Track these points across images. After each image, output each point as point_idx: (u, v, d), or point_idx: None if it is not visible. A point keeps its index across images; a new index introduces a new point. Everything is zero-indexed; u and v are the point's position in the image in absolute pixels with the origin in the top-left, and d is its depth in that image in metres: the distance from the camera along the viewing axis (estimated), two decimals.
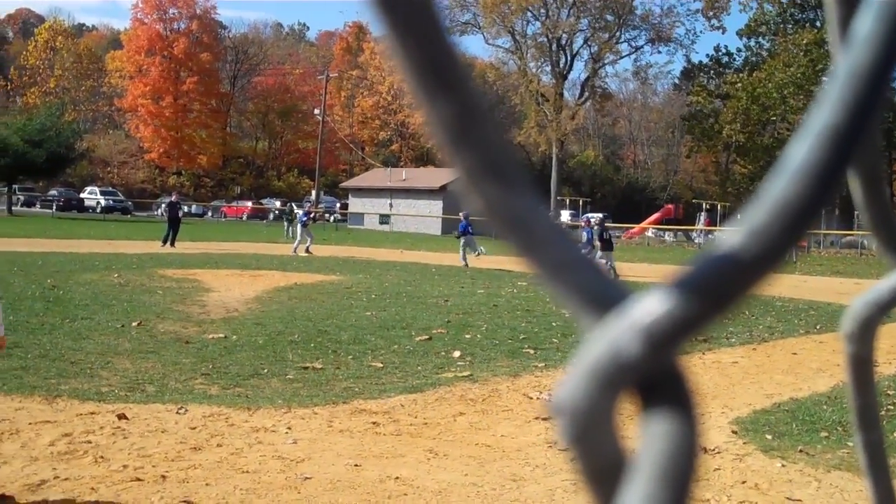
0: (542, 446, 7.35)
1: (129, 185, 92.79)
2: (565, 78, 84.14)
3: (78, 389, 8.70)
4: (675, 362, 0.41)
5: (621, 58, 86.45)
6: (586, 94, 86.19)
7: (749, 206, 0.41)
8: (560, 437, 0.44)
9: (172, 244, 33.62)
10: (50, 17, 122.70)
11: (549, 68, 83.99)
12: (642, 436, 0.41)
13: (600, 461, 0.43)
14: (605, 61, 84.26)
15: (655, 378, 0.41)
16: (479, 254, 30.07)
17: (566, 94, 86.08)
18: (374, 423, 7.88)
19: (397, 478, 6.26)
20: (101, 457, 6.50)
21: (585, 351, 0.43)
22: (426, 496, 5.89)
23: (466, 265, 29.94)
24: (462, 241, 30.91)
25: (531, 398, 9.18)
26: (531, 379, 10.24)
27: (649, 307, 0.40)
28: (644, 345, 0.40)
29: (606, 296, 0.42)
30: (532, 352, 12.03)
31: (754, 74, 73.17)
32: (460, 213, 33.41)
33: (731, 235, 0.41)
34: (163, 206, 76.56)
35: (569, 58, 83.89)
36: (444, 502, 5.79)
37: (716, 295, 0.40)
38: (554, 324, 14.78)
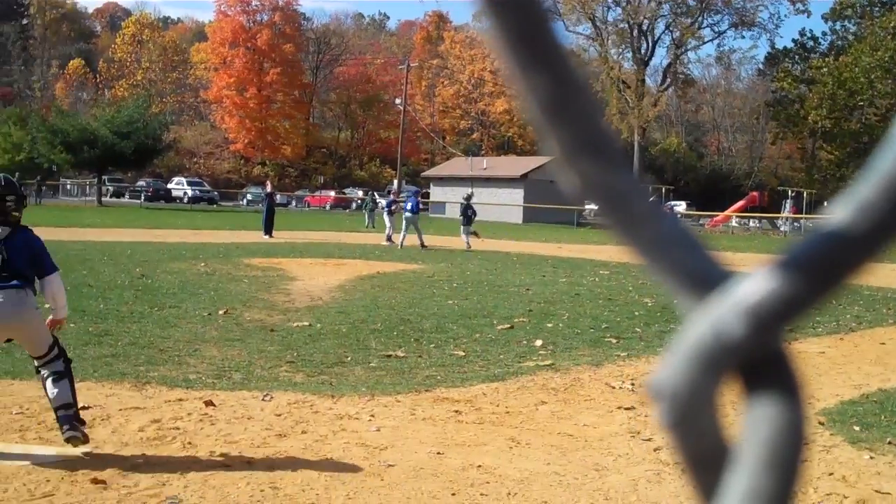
0: (624, 436, 7.29)
1: (214, 175, 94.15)
2: (647, 64, 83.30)
3: (166, 376, 8.86)
4: (780, 344, 0.40)
5: (704, 43, 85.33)
6: (668, 80, 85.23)
7: (847, 187, 0.39)
8: (659, 422, 0.42)
9: (269, 234, 34.02)
10: (136, 10, 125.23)
11: (630, 55, 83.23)
12: (746, 421, 0.40)
13: (701, 447, 0.41)
14: (688, 47, 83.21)
15: (760, 360, 0.40)
16: (399, 245, 30.06)
17: (648, 80, 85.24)
18: (456, 411, 7.89)
19: (479, 466, 6.26)
20: (189, 443, 6.61)
21: (687, 332, 0.41)
22: (508, 484, 5.88)
23: (419, 245, 30.23)
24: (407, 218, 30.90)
25: (613, 388, 9.11)
26: (613, 368, 10.17)
27: (754, 287, 0.39)
28: (749, 326, 0.38)
29: (709, 275, 0.40)
30: (614, 341, 11.94)
31: (840, 59, 71.71)
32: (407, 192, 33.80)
33: (838, 212, 0.39)
34: (248, 196, 77.78)
35: (650, 44, 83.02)
36: (527, 491, 5.78)
37: (823, 273, 0.39)
38: (636, 313, 14.66)
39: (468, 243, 30.99)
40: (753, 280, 0.39)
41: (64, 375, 6.35)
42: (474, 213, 32.81)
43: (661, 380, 0.42)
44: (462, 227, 31.93)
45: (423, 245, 30.13)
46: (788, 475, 0.38)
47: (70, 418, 6.24)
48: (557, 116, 0.40)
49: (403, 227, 30.66)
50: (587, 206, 74.67)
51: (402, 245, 29.69)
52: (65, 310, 6.58)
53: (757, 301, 0.39)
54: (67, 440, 6.18)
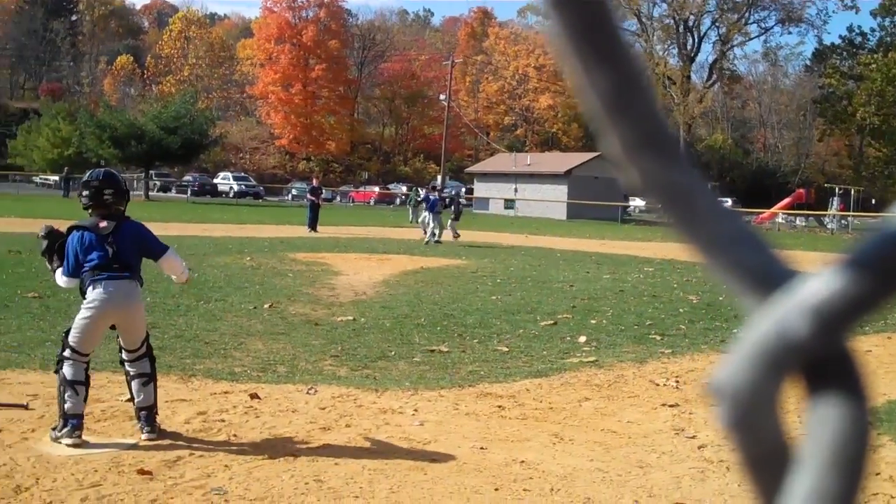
0: (668, 433, 7.25)
1: (260, 170, 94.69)
2: (692, 60, 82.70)
3: (212, 369, 8.94)
4: (844, 344, 0.39)
5: (750, 39, 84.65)
6: (714, 76, 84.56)
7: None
8: (719, 422, 0.42)
9: (314, 229, 34.15)
10: (183, 7, 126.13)
11: (675, 51, 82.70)
12: (809, 421, 0.39)
13: (763, 447, 0.41)
14: (734, 43, 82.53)
15: (824, 360, 0.39)
16: (428, 241, 29.83)
17: (693, 76, 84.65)
18: (499, 406, 7.89)
19: (523, 461, 6.26)
20: (234, 435, 6.67)
21: (749, 331, 0.41)
22: (552, 480, 5.87)
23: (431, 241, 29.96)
24: (430, 215, 30.69)
25: (658, 385, 9.07)
26: (658, 365, 10.11)
27: (819, 286, 0.38)
28: (813, 325, 0.38)
29: (773, 274, 0.40)
30: (659, 338, 11.87)
31: (889, 55, 70.77)
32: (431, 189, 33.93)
33: None
34: (293, 191, 78.14)
35: (696, 40, 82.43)
36: (570, 487, 5.77)
37: (889, 273, 0.38)
38: (681, 310, 14.57)
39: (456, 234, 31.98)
40: (818, 279, 0.39)
41: (151, 379, 6.60)
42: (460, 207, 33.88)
43: (722, 379, 0.42)
44: (450, 220, 32.66)
45: (437, 241, 29.82)
46: (853, 476, 0.37)
47: (151, 419, 6.50)
48: (618, 112, 0.40)
49: (430, 224, 30.53)
50: (632, 203, 74.41)
51: (429, 242, 29.48)
52: (187, 272, 7.08)
53: (822, 300, 0.38)
54: (146, 439, 6.40)
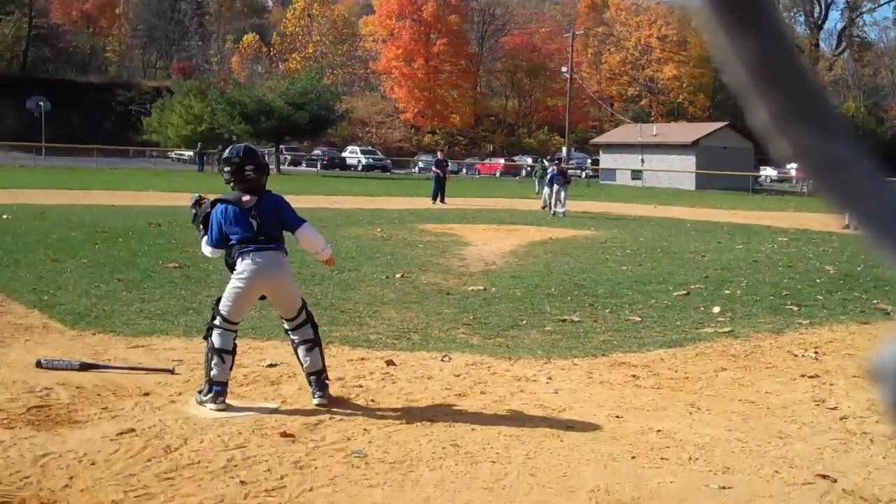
0: (808, 404, 7.11)
1: (386, 143, 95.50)
2: (820, 28, 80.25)
3: (348, 336, 9.11)
4: None
5: (880, 5, 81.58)
6: (843, 44, 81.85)
7: None
8: (881, 402, 0.42)
9: (442, 200, 34.38)
10: None
11: (802, 18, 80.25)
12: None
13: None
14: (863, 9, 79.67)
15: None
16: (554, 213, 29.11)
17: (822, 44, 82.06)
18: (633, 375, 7.85)
19: (659, 430, 6.22)
20: (372, 400, 6.79)
21: None
22: (689, 449, 5.83)
23: (555, 213, 29.27)
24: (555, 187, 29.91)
25: (796, 356, 8.89)
26: (795, 336, 9.90)
27: None
28: None
29: None
30: (795, 308, 11.62)
31: None
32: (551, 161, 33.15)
33: None
34: (419, 164, 78.67)
35: (823, 7, 79.86)
36: (708, 456, 5.71)
37: None
38: (818, 280, 14.23)
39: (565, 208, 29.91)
40: None
41: (315, 343, 6.74)
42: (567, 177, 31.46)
43: (884, 359, 0.41)
44: (562, 190, 30.21)
45: (557, 212, 29.42)
46: None
47: (322, 384, 6.65)
48: (767, 81, 0.39)
49: (553, 194, 30.17)
50: (762, 173, 72.72)
51: (554, 213, 29.19)
52: (328, 249, 7.18)
53: None
54: (317, 405, 6.56)
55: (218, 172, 7.70)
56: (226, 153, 6.83)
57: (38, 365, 7.27)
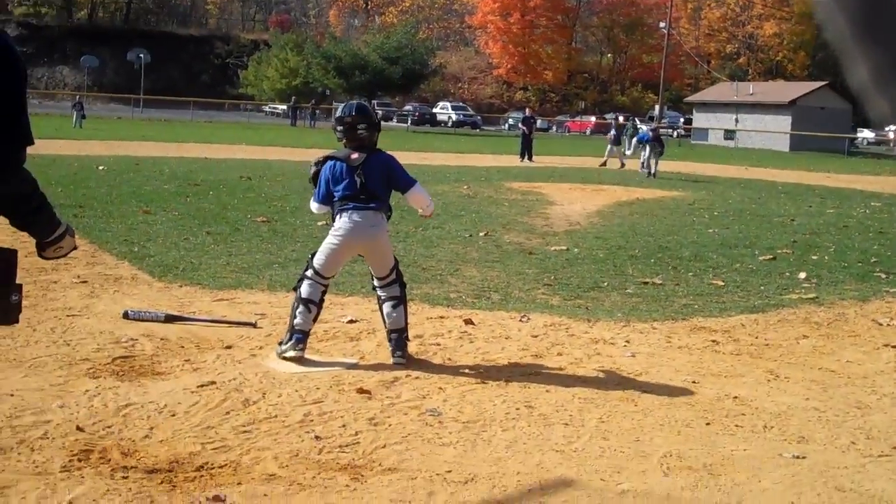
0: (890, 374, 6.99)
1: (478, 100, 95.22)
2: None
3: (429, 294, 9.18)
4: None
5: None
6: None
7: None
8: None
9: (530, 158, 34.27)
10: None
11: None
12: None
13: None
14: None
15: None
16: (648, 174, 28.55)
17: None
18: (713, 341, 7.79)
19: (735, 397, 6.18)
20: (449, 359, 6.85)
21: None
22: (764, 417, 5.78)
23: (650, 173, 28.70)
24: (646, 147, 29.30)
25: (881, 325, 8.72)
26: (881, 305, 9.71)
27: None
28: None
29: None
30: (884, 276, 11.38)
31: None
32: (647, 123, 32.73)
33: None
34: (509, 121, 78.34)
35: None
36: (784, 425, 5.67)
37: None
38: None
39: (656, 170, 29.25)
40: None
41: (401, 301, 6.83)
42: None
43: None
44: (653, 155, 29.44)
45: (650, 173, 28.97)
46: None
47: (402, 344, 6.73)
48: (869, 37, 0.38)
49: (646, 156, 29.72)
50: (860, 135, 70.92)
51: (650, 173, 28.81)
52: (432, 205, 7.21)
53: None
54: (395, 363, 6.63)
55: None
56: (338, 112, 6.89)
57: (125, 316, 7.47)
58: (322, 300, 6.76)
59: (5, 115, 3.01)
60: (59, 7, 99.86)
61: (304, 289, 6.66)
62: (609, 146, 34.69)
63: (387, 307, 6.80)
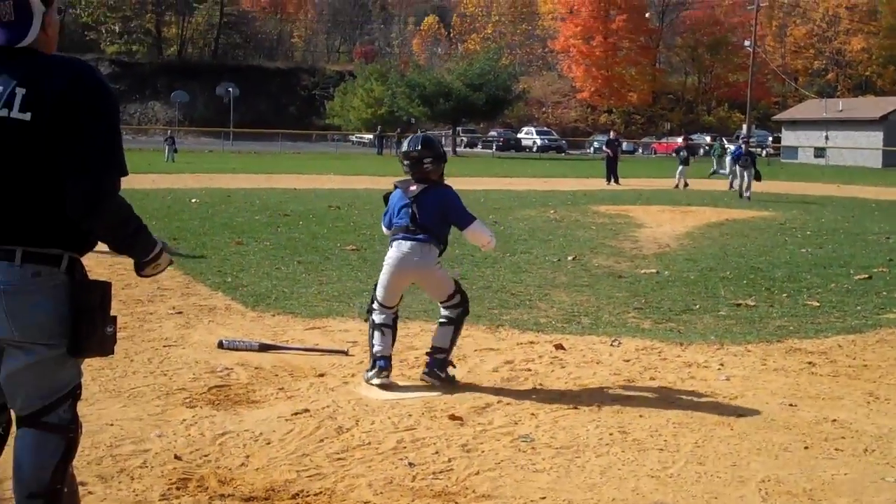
0: None
1: (562, 124, 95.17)
2: None
3: (518, 319, 9.17)
4: None
5: None
6: None
7: None
8: None
9: (616, 181, 34.08)
10: None
11: None
12: None
13: None
14: None
15: None
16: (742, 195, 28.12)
17: None
18: (809, 363, 7.64)
19: (834, 420, 6.05)
20: (540, 384, 6.83)
21: None
22: (865, 440, 5.65)
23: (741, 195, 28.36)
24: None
25: None
26: None
27: None
28: None
29: None
30: None
31: None
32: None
33: None
34: (594, 144, 78.08)
35: None
36: (885, 448, 5.53)
37: None
38: None
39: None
40: None
41: (452, 322, 6.84)
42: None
43: None
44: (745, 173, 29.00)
45: (741, 194, 28.44)
46: None
47: (434, 363, 6.73)
48: None
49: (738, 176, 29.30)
50: None
51: (742, 195, 28.30)
52: (493, 242, 7.02)
53: None
54: (421, 379, 6.73)
55: (397, 156, 7.82)
56: (404, 146, 6.91)
57: (220, 346, 7.60)
58: (395, 324, 6.84)
59: (103, 146, 3.22)
60: (149, 45, 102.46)
61: (375, 316, 6.77)
62: (679, 167, 34.16)
63: (438, 325, 6.87)
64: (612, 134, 38.47)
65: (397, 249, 6.69)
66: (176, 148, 45.81)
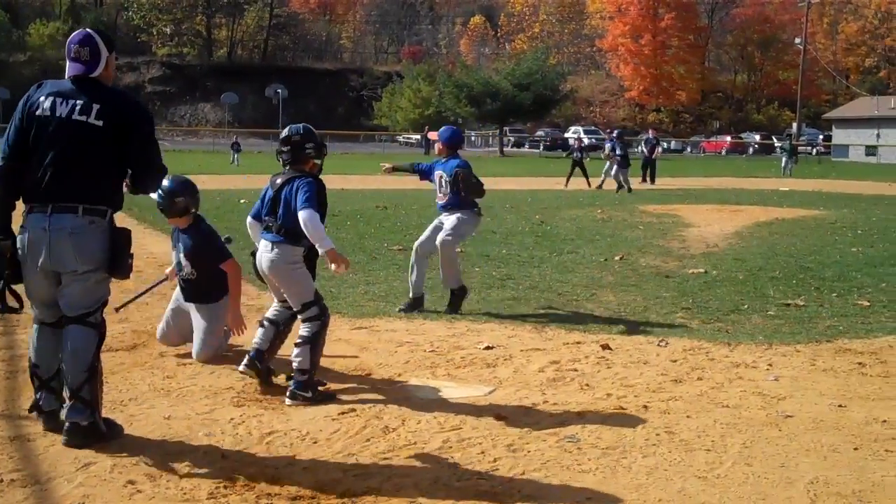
0: None
1: (610, 123, 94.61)
2: None
3: (564, 319, 9.16)
4: None
5: None
6: None
7: None
8: None
9: (652, 181, 33.87)
10: None
11: None
12: None
13: None
14: None
15: None
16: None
17: None
18: (859, 363, 7.56)
19: (885, 421, 5.98)
20: (587, 384, 6.81)
21: None
22: None
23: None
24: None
25: None
26: None
27: None
28: None
29: None
30: None
31: None
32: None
33: None
34: (642, 144, 77.63)
35: None
36: None
37: None
38: None
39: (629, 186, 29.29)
40: None
41: (309, 341, 6.34)
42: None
43: None
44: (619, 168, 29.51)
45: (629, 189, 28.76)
46: None
47: (297, 385, 6.25)
48: None
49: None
50: None
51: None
52: (327, 243, 6.16)
53: None
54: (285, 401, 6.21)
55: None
56: (283, 132, 6.55)
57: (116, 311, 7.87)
58: (287, 321, 6.75)
59: (153, 153, 5.27)
60: (199, 47, 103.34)
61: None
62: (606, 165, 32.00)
63: (295, 344, 6.39)
64: (650, 133, 38.04)
65: (257, 247, 6.54)
66: (240, 149, 47.15)
